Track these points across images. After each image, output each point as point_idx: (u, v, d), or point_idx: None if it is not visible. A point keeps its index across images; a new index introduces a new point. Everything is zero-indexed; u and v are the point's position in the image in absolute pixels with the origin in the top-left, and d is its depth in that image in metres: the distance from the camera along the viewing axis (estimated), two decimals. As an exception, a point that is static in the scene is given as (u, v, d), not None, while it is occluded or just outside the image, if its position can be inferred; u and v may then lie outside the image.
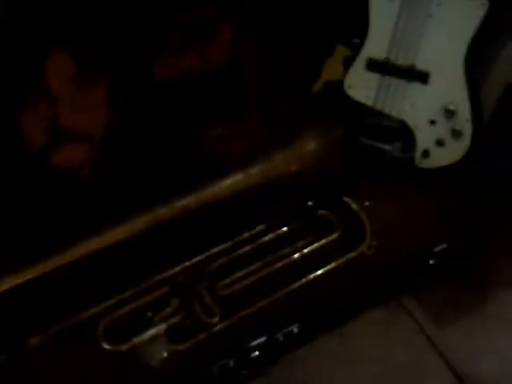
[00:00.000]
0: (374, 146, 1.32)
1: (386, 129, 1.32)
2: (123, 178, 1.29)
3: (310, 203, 1.21)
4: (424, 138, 1.29)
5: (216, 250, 1.16)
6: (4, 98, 1.17)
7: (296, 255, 1.16)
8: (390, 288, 1.19)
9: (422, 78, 1.26)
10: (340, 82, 1.35)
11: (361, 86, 1.33)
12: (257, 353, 1.05)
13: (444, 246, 1.20)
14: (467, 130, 1.24)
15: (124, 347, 1.02)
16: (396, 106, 1.30)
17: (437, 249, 1.20)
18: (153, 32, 1.27)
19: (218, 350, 1.04)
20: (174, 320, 1.06)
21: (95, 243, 1.09)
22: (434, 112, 1.26)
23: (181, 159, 1.32)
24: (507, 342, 1.14)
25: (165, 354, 1.02)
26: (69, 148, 1.28)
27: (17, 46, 1.12)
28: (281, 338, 1.07)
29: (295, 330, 1.08)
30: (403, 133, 1.30)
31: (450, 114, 1.24)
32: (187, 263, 1.14)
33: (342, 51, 1.42)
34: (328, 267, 1.14)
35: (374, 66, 1.31)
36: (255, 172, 1.17)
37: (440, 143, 1.27)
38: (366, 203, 1.23)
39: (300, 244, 1.18)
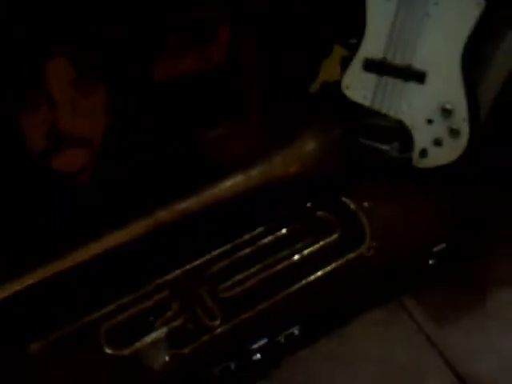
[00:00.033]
0: (371, 146, 1.33)
1: (384, 129, 1.32)
2: (123, 182, 1.29)
3: (309, 204, 1.22)
4: (421, 137, 1.29)
5: (216, 252, 1.16)
6: (5, 102, 1.18)
7: (296, 257, 1.16)
8: (389, 288, 1.19)
9: (419, 77, 1.26)
10: (337, 83, 1.35)
11: (358, 86, 1.33)
12: (258, 355, 1.05)
13: (443, 245, 1.20)
14: (464, 129, 1.24)
15: (126, 352, 1.03)
16: (393, 105, 1.30)
17: (436, 249, 1.21)
18: (153, 32, 1.27)
19: (219, 353, 1.04)
20: (176, 323, 1.07)
21: (95, 248, 1.09)
22: (431, 111, 1.27)
23: (181, 161, 1.33)
24: (507, 341, 1.14)
25: (167, 358, 1.02)
26: (69, 153, 1.29)
27: (17, 46, 1.12)
28: (282, 340, 1.08)
29: (296, 331, 1.08)
30: (401, 133, 1.30)
31: (447, 113, 1.24)
32: (188, 266, 1.14)
33: (339, 52, 1.42)
34: (328, 268, 1.14)
35: (371, 66, 1.31)
36: (255, 173, 1.18)
37: (437, 142, 1.27)
38: (365, 204, 1.23)
39: (300, 246, 1.18)
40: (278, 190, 1.19)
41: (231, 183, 1.17)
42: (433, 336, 1.16)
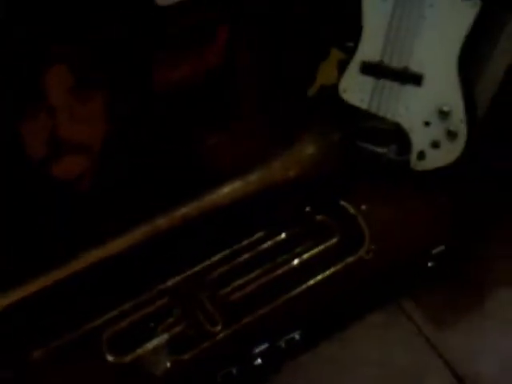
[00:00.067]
0: (369, 149, 1.33)
1: (381, 132, 1.32)
2: (122, 188, 1.29)
3: (307, 209, 1.22)
4: (419, 139, 1.29)
5: (216, 258, 1.16)
6: (5, 109, 1.18)
7: (295, 261, 1.17)
8: (388, 291, 1.20)
9: (416, 79, 1.26)
10: (335, 86, 1.36)
11: (355, 89, 1.33)
12: (259, 360, 1.06)
13: (442, 247, 1.21)
14: (462, 130, 1.24)
15: (127, 358, 1.03)
16: (390, 108, 1.30)
17: (435, 251, 1.21)
18: (152, 33, 1.27)
19: (220, 359, 1.05)
20: (177, 329, 1.07)
21: (96, 255, 1.09)
22: (428, 114, 1.27)
23: (180, 166, 1.33)
24: (507, 341, 1.15)
25: (168, 364, 1.03)
26: (68, 159, 1.29)
27: (17, 47, 1.12)
28: (283, 345, 1.08)
29: (297, 336, 1.09)
30: (398, 135, 1.30)
31: (444, 115, 1.24)
32: (188, 272, 1.14)
33: (336, 55, 1.42)
34: (327, 272, 1.15)
35: (368, 69, 1.31)
36: (254, 179, 1.18)
37: (435, 145, 1.27)
38: (363, 207, 1.23)
39: (299, 250, 1.18)
40: (276, 195, 1.20)
41: (230, 189, 1.17)
42: (432, 338, 1.16)
